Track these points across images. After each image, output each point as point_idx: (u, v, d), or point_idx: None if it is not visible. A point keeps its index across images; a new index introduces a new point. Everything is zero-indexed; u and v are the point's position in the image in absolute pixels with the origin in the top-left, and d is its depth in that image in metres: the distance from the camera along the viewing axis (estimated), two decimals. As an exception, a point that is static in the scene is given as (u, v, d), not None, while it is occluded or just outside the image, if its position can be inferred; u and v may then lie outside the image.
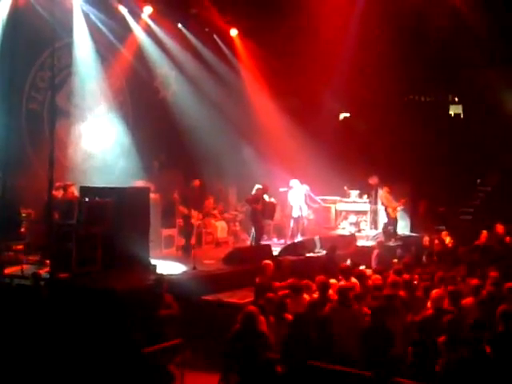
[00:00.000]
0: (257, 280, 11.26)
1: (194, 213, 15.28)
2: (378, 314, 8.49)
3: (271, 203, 16.81)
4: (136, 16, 17.58)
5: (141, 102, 17.87)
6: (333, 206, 20.37)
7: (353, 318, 8.95)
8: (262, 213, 16.21)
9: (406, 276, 10.76)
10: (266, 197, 16.41)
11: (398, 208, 19.01)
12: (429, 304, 9.18)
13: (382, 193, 19.23)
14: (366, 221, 20.01)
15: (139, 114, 17.77)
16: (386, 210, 19.14)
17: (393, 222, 18.95)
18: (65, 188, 13.92)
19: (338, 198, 20.26)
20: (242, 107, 20.06)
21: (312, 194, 18.06)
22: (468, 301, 9.55)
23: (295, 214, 17.57)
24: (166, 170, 17.76)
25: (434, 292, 9.24)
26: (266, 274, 11.44)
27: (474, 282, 10.38)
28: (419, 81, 24.10)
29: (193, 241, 15.05)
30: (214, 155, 18.54)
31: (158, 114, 17.92)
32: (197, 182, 15.92)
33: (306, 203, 17.82)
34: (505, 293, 9.80)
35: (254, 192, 16.13)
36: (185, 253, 14.65)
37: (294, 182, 17.61)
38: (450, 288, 9.76)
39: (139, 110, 17.75)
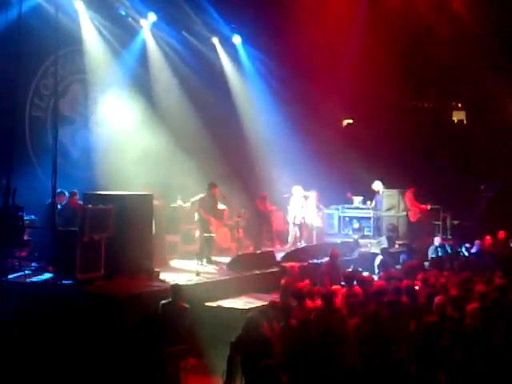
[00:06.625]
0: (282, 282, 11.29)
1: (213, 220, 14.98)
2: (375, 320, 8.46)
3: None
4: (139, 22, 17.62)
5: (144, 108, 17.84)
6: (336, 212, 20.40)
7: (337, 323, 8.93)
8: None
9: (408, 282, 10.74)
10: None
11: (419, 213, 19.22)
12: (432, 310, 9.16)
13: (405, 195, 19.40)
14: (369, 227, 20.01)
15: (143, 120, 17.75)
16: (406, 212, 19.28)
17: (413, 225, 19.12)
18: (70, 195, 13.98)
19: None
20: (245, 113, 20.09)
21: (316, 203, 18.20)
22: (473, 307, 9.51)
23: (297, 220, 17.62)
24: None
25: (438, 298, 9.22)
26: (292, 276, 11.54)
27: (480, 288, 10.35)
28: (422, 87, 24.16)
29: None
30: (217, 162, 18.52)
31: (161, 120, 17.89)
32: (216, 190, 15.29)
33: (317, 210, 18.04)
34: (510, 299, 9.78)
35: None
36: (200, 260, 14.37)
37: (296, 189, 17.66)
38: (453, 294, 9.74)
39: (143, 117, 17.72)
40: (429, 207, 19.58)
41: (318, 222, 18.27)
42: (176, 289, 10.22)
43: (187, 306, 10.03)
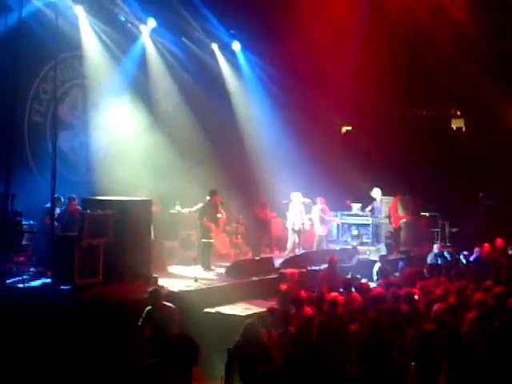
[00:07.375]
0: (282, 287, 11.26)
1: (214, 228, 15.02)
2: (375, 327, 8.44)
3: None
4: (139, 28, 17.63)
5: (143, 114, 17.84)
6: (335, 219, 20.39)
7: (339, 330, 8.90)
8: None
9: (407, 289, 10.71)
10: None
11: (402, 220, 18.97)
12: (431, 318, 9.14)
13: (391, 201, 19.24)
14: (368, 234, 19.99)
15: (142, 126, 17.75)
16: (389, 218, 19.12)
17: (395, 232, 18.93)
18: (68, 200, 13.97)
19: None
20: (244, 119, 20.10)
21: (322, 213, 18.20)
22: (471, 315, 9.48)
23: (296, 226, 17.62)
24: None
25: (436, 306, 9.20)
26: (292, 282, 11.56)
27: (478, 295, 10.32)
28: (421, 94, 24.19)
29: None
30: (216, 167, 18.52)
31: (160, 125, 17.89)
32: (217, 197, 15.23)
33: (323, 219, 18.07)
34: (508, 307, 9.76)
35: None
36: (202, 267, 14.31)
37: (295, 195, 17.68)
38: (451, 302, 9.72)
39: (142, 122, 17.72)
40: (405, 219, 19.26)
41: (320, 230, 18.25)
42: (152, 294, 10.05)
43: (170, 304, 9.95)
